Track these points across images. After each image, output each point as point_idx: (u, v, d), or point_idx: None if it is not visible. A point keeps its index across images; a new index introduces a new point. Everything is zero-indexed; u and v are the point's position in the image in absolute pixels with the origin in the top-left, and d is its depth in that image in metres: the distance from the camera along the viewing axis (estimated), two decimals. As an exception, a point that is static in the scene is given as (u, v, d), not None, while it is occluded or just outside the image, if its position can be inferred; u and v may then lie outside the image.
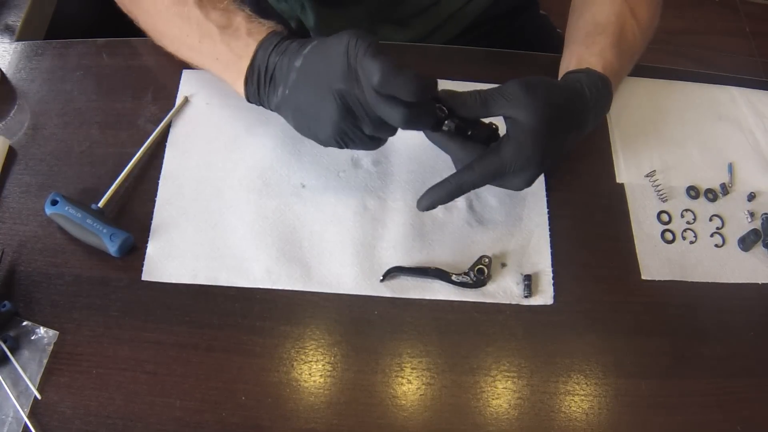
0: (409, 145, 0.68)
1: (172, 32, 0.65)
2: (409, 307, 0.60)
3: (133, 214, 0.63)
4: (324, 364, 0.57)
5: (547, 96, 0.56)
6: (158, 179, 0.65)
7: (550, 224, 0.65)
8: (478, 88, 0.56)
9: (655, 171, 0.68)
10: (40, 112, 0.69)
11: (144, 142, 0.66)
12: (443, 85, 0.72)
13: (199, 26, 0.61)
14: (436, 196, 0.58)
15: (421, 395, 0.57)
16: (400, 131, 0.69)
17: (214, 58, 0.62)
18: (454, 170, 0.66)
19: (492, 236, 0.64)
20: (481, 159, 0.56)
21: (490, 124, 0.59)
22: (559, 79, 0.65)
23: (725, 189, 0.68)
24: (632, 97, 0.73)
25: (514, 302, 0.61)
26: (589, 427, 0.56)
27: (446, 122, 0.56)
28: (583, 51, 0.63)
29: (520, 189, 0.59)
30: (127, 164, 0.65)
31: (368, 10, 0.79)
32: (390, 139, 0.68)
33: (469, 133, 0.57)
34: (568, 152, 0.61)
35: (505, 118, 0.57)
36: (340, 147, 0.57)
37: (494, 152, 0.56)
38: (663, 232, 0.65)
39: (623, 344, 0.60)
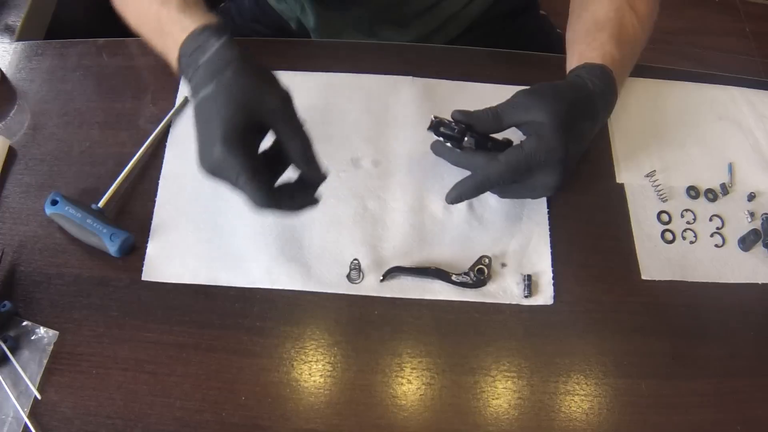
0: (409, 146, 0.68)
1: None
2: (409, 307, 0.60)
3: (133, 214, 0.63)
4: (324, 364, 0.57)
5: (553, 94, 0.58)
6: (158, 179, 0.65)
7: (550, 224, 0.65)
8: (488, 106, 0.60)
9: (655, 171, 0.68)
10: (40, 112, 0.69)
11: (144, 142, 0.66)
12: (444, 85, 0.72)
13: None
14: (462, 189, 0.60)
15: (421, 395, 0.57)
16: (400, 132, 0.69)
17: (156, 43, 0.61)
18: (453, 169, 0.67)
19: (492, 236, 0.64)
20: (506, 153, 0.58)
21: (506, 139, 0.62)
22: None
23: (725, 189, 0.68)
24: (632, 97, 0.73)
25: (514, 302, 0.61)
26: (589, 427, 0.56)
27: (466, 138, 0.59)
28: (584, 48, 0.64)
29: (552, 189, 0.60)
30: (127, 164, 0.65)
31: (369, 11, 0.79)
32: (390, 139, 0.69)
33: (489, 145, 0.60)
34: (584, 148, 0.63)
35: (520, 127, 0.60)
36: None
37: (517, 146, 0.58)
38: (663, 232, 0.65)
39: (623, 344, 0.60)
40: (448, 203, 0.62)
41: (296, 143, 0.53)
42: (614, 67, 0.62)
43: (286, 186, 0.54)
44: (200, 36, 0.54)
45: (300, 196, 0.54)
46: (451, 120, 0.60)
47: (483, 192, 0.61)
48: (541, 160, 0.57)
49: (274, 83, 0.53)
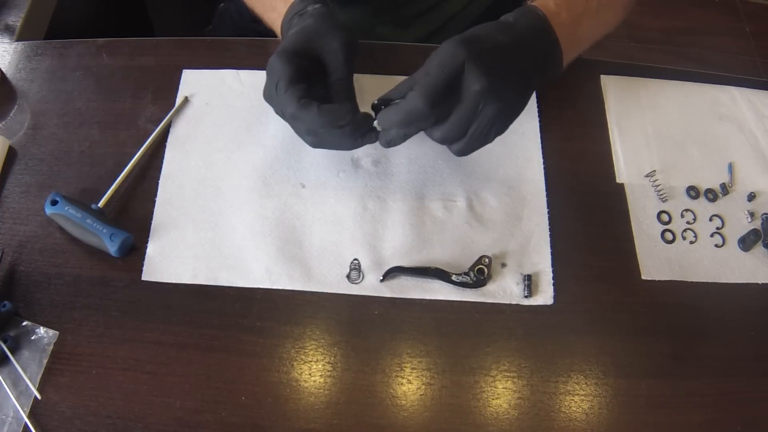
0: (409, 146, 0.68)
1: None
2: (409, 307, 0.60)
3: (133, 214, 0.63)
4: (324, 364, 0.57)
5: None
6: (158, 179, 0.65)
7: (550, 224, 0.65)
8: None
9: (655, 171, 0.68)
10: (40, 112, 0.69)
11: (144, 142, 0.66)
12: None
13: None
14: (393, 129, 0.57)
15: (421, 395, 0.57)
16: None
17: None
18: (453, 170, 0.67)
19: (492, 236, 0.64)
20: (417, 83, 0.55)
21: None
22: None
23: (725, 189, 0.68)
24: (632, 97, 0.73)
25: (514, 302, 0.61)
26: (589, 427, 0.56)
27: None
28: None
29: (490, 99, 0.54)
30: (127, 164, 0.65)
31: (369, 11, 0.79)
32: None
33: None
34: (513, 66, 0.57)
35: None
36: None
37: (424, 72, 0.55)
38: (663, 232, 0.65)
39: (623, 344, 0.60)
40: (384, 147, 0.59)
41: (336, 76, 0.59)
42: (548, 12, 0.60)
43: (330, 107, 0.56)
44: (300, 4, 0.62)
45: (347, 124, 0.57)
46: (378, 106, 0.59)
47: (412, 125, 0.56)
48: (447, 70, 0.53)
49: (341, 33, 0.59)
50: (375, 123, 0.58)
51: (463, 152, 0.58)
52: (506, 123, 0.58)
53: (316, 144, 0.60)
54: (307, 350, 0.58)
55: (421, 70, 0.56)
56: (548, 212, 0.65)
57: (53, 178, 0.65)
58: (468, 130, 0.56)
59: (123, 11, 1.07)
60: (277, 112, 0.60)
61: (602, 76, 0.74)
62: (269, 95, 0.59)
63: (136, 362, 0.57)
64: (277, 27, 0.66)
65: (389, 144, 0.59)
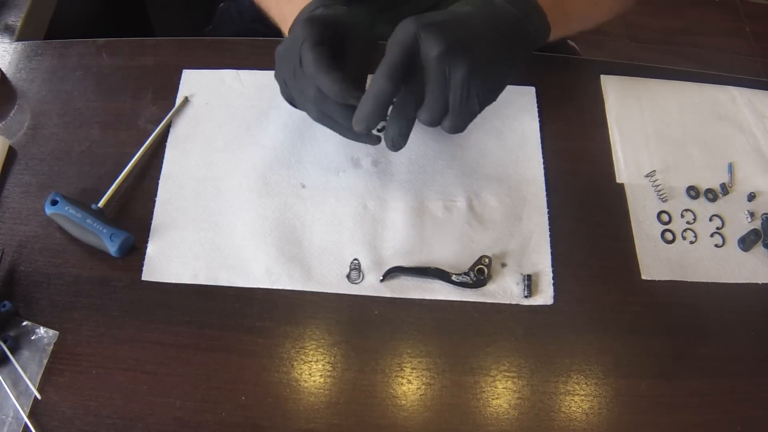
0: (409, 145, 0.68)
1: None
2: (409, 307, 0.60)
3: (133, 214, 0.63)
4: (324, 364, 0.57)
5: None
6: (158, 179, 0.65)
7: (550, 224, 0.65)
8: None
9: (655, 171, 0.68)
10: (40, 112, 0.69)
11: (144, 142, 0.66)
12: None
13: None
14: (367, 111, 0.54)
15: (421, 395, 0.57)
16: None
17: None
18: (453, 170, 0.67)
19: (492, 236, 0.64)
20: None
21: None
22: None
23: (725, 189, 0.68)
24: (632, 97, 0.73)
25: (514, 302, 0.61)
26: (589, 427, 0.56)
27: None
28: None
29: (461, 63, 0.52)
30: (127, 164, 0.65)
31: (368, 11, 0.79)
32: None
33: None
34: (506, 46, 0.56)
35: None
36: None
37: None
38: (663, 232, 0.65)
39: (623, 344, 0.60)
40: (356, 129, 0.55)
41: (355, 62, 0.58)
42: None
43: (353, 79, 0.54)
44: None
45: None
46: None
47: (390, 111, 0.55)
48: (401, 45, 0.52)
49: (368, 26, 0.60)
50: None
51: (455, 127, 0.56)
52: (489, 89, 0.56)
53: (318, 117, 0.59)
54: (307, 350, 0.58)
55: None
56: (548, 212, 0.65)
57: (53, 178, 0.65)
58: (448, 102, 0.54)
59: (123, 11, 1.07)
60: (277, 77, 0.59)
61: (602, 76, 0.74)
62: (284, 53, 0.58)
63: (136, 362, 0.57)
64: (288, 21, 0.63)
65: (394, 145, 0.57)
